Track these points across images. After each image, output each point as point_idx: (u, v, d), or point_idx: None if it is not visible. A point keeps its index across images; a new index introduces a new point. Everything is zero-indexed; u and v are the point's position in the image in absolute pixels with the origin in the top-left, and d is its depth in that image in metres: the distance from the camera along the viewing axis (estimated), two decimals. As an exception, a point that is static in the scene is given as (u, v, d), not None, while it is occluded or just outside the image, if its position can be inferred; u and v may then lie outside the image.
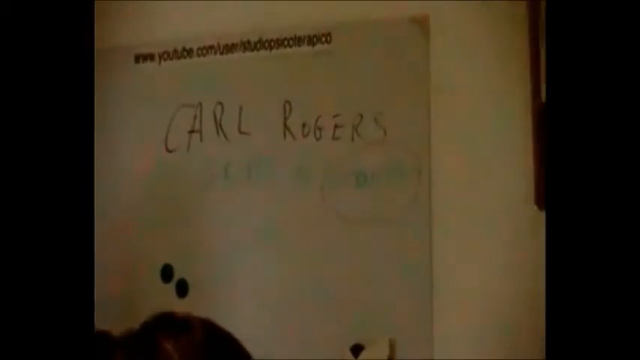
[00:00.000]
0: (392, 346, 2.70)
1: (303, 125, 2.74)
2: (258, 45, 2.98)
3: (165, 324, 1.66)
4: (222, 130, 2.83)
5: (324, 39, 2.92)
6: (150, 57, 3.20)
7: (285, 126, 2.76)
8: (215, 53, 3.04)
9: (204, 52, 3.03)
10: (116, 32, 3.34)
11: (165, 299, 2.95)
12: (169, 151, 2.91)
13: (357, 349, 2.71)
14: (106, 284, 2.99)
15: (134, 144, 3.09)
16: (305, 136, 2.71)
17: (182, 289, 2.95)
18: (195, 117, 2.83)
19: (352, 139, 2.71)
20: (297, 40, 2.92)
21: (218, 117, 2.84)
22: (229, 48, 3.01)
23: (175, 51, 3.12)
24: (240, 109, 2.81)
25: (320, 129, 2.69)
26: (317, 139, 2.72)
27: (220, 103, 2.86)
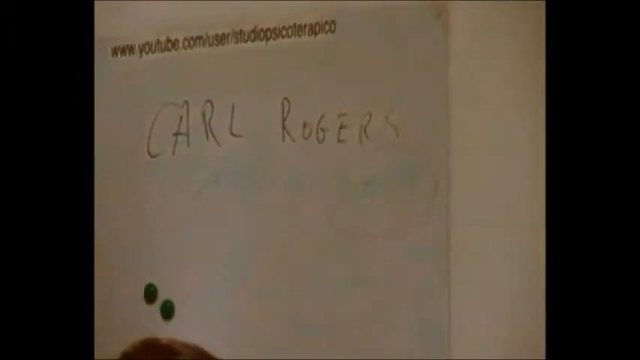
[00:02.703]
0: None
1: (304, 126, 2.53)
2: (253, 35, 2.77)
3: (149, 353, 1.59)
4: (211, 132, 2.62)
5: (327, 28, 2.66)
6: (129, 49, 3.02)
7: (284, 127, 2.55)
8: (204, 45, 2.84)
9: (192, 43, 2.83)
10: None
11: (149, 323, 2.80)
12: (152, 156, 2.72)
13: None
14: None
15: (112, 148, 2.85)
16: (306, 138, 2.50)
17: (167, 311, 2.80)
18: (181, 117, 2.62)
19: (360, 142, 2.46)
20: (297, 30, 2.69)
21: (207, 117, 2.64)
22: (220, 38, 2.81)
23: (158, 42, 2.91)
24: (233, 108, 2.60)
25: (323, 130, 2.47)
26: (319, 142, 2.50)
27: (209, 102, 2.65)
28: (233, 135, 2.59)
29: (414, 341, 2.57)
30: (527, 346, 2.40)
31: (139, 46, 2.97)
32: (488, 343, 2.32)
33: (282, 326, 2.60)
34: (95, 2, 2.68)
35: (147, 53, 2.93)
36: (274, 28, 2.73)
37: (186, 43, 2.86)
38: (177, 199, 2.72)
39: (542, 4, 2.49)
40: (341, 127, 2.50)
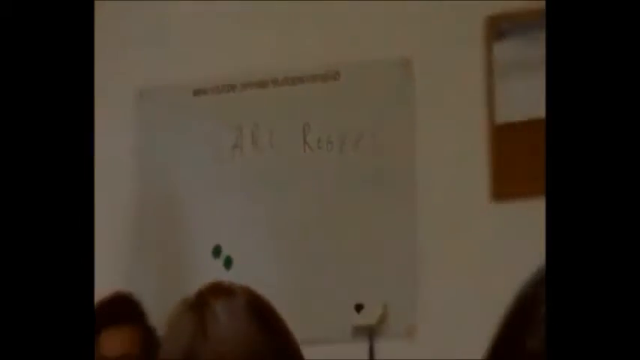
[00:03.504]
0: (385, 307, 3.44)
1: (318, 141, 3.54)
2: (284, 81, 3.75)
3: (215, 290, 1.87)
4: (257, 144, 3.65)
5: (333, 77, 3.69)
6: (203, 91, 3.99)
7: (305, 141, 3.57)
8: (252, 88, 3.82)
9: (244, 86, 3.84)
10: (176, 71, 4.13)
11: (215, 272, 3.58)
12: (218, 162, 3.76)
13: (358, 307, 3.43)
14: (167, 267, 3.89)
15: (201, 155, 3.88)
16: (320, 149, 3.53)
17: (228, 264, 3.68)
18: (237, 135, 3.67)
19: (354, 152, 3.52)
20: (314, 78, 3.70)
21: (255, 135, 3.65)
22: (262, 84, 3.80)
23: (224, 86, 3.90)
24: (271, 129, 3.63)
25: (331, 143, 3.51)
26: (328, 151, 3.55)
27: (256, 124, 3.65)
28: (271, 147, 3.60)
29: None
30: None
31: (211, 88, 3.94)
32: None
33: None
34: (183, 57, 3.50)
35: (218, 93, 3.91)
36: (299, 77, 3.72)
37: (241, 86, 3.84)
38: (234, 189, 3.76)
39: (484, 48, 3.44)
40: (342, 142, 3.53)
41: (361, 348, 3.47)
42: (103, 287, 3.06)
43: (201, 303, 1.84)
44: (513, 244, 3.18)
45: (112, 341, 3.21)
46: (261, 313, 1.86)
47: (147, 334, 3.23)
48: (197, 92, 4.04)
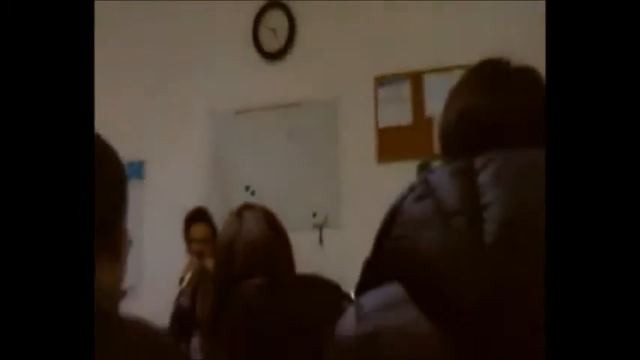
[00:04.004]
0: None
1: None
2: (276, 108, 5.48)
3: (246, 206, 2.72)
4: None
5: (296, 108, 5.44)
6: (249, 111, 5.51)
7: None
8: (265, 111, 5.50)
9: (261, 110, 5.45)
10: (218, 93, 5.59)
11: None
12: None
13: (314, 214, 5.42)
14: (223, 198, 5.46)
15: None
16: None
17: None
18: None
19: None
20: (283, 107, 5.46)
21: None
22: (269, 108, 5.51)
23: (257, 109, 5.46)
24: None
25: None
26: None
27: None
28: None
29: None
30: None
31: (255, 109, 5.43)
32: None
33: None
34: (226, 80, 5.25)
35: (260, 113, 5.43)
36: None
37: (261, 110, 5.43)
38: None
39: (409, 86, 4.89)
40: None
41: (315, 234, 5.39)
42: (193, 205, 5.11)
43: (239, 212, 2.63)
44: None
45: (197, 230, 4.92)
46: (271, 219, 2.62)
47: (213, 228, 4.87)
48: (239, 112, 5.64)
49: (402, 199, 1.36)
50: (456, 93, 1.52)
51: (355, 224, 5.22)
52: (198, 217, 4.99)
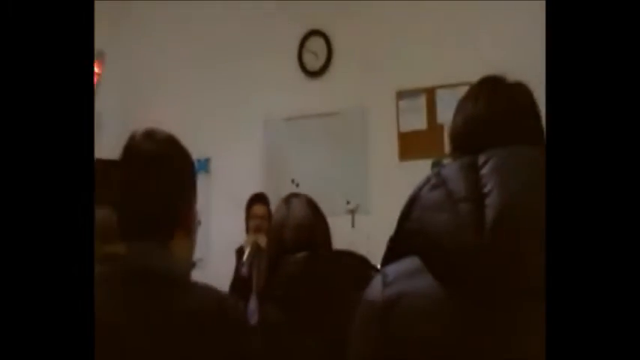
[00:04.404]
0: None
1: None
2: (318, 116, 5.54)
3: (292, 195, 2.68)
4: None
5: (335, 116, 5.46)
6: (295, 118, 5.62)
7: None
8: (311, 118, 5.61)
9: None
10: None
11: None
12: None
13: (347, 202, 5.44)
14: (276, 189, 5.22)
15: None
16: None
17: (298, 186, 5.34)
18: None
19: None
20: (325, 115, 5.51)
21: None
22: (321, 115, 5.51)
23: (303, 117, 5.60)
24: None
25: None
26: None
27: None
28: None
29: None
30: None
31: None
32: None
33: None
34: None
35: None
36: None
37: (305, 118, 5.52)
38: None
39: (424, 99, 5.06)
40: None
41: (348, 218, 5.38)
42: (249, 194, 5.09)
43: (287, 199, 2.62)
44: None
45: (257, 209, 4.89)
46: (312, 204, 2.60)
47: (269, 210, 4.76)
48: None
49: (420, 188, 1.38)
50: (462, 103, 1.52)
51: (381, 211, 5.22)
52: (258, 199, 4.99)
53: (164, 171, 1.63)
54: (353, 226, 5.32)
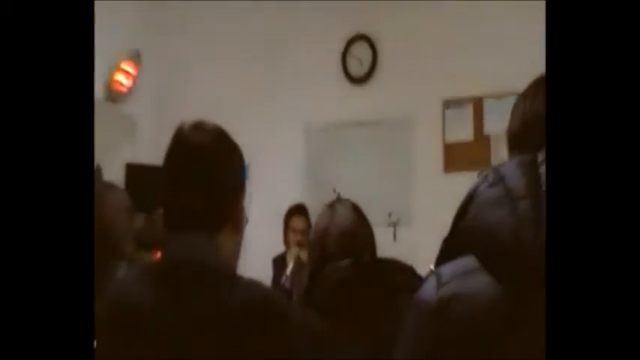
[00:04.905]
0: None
1: None
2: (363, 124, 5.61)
3: (337, 200, 2.66)
4: None
5: (378, 124, 5.53)
6: (337, 126, 5.95)
7: None
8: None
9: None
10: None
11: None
12: None
13: (390, 214, 5.44)
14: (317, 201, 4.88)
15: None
16: None
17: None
18: None
19: None
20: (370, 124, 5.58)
21: None
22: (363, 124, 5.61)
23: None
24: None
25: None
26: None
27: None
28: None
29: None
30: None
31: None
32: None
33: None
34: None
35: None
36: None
37: (347, 126, 5.67)
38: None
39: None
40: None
41: (390, 231, 5.46)
42: (288, 203, 5.24)
43: (332, 204, 2.58)
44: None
45: (297, 222, 5.03)
46: (357, 210, 2.56)
47: (309, 222, 4.88)
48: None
49: (477, 186, 1.38)
50: (519, 102, 1.52)
51: (424, 224, 5.27)
52: (298, 211, 5.08)
53: (212, 163, 1.64)
54: (395, 239, 5.36)
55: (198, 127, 1.67)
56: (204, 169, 1.63)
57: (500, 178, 1.36)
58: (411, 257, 3.17)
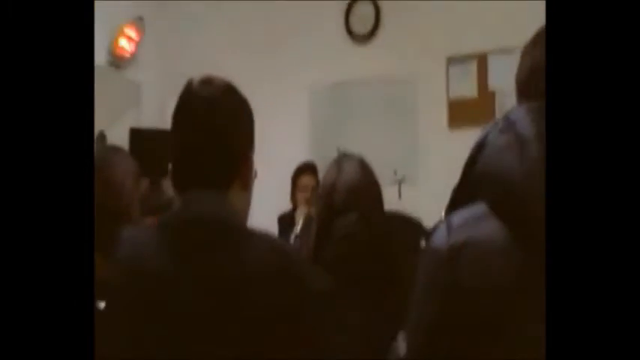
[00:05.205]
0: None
1: None
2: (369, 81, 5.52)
3: (344, 155, 2.71)
4: None
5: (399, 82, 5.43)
6: (342, 85, 6.06)
7: None
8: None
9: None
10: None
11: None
12: None
13: (395, 172, 5.52)
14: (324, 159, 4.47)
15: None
16: None
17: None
18: None
19: None
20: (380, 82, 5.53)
21: None
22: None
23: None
24: None
25: None
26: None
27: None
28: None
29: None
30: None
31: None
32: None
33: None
34: None
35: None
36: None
37: (351, 85, 5.67)
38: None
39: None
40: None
41: (395, 189, 5.35)
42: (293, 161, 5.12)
43: (339, 160, 2.64)
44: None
45: (306, 180, 4.88)
46: (364, 165, 2.64)
47: (318, 179, 4.71)
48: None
49: (487, 133, 1.38)
50: (528, 48, 1.51)
51: (429, 181, 5.24)
52: (307, 169, 4.97)
53: (222, 118, 1.61)
54: (400, 197, 5.26)
55: (207, 81, 1.64)
56: (214, 124, 1.60)
57: (510, 125, 1.37)
58: (416, 215, 3.20)
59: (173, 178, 1.66)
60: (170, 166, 1.67)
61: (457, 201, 1.46)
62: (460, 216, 1.42)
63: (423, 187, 5.34)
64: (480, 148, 1.37)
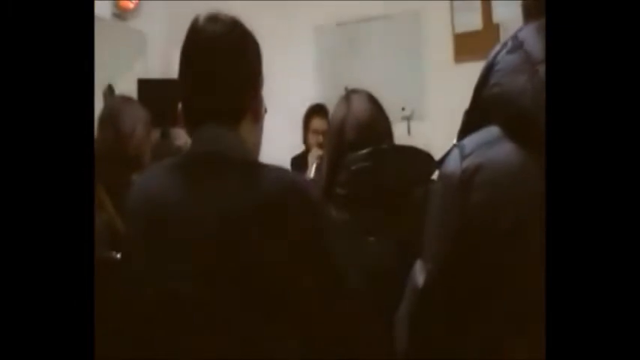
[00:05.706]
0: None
1: None
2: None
3: (353, 90, 2.59)
4: None
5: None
6: (347, 23, 6.11)
7: None
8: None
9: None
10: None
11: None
12: None
13: (402, 109, 5.41)
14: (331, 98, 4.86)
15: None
16: None
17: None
18: None
19: None
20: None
21: None
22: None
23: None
24: None
25: None
26: None
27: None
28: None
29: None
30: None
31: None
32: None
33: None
34: None
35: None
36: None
37: (357, 22, 5.70)
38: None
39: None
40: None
41: (404, 125, 5.35)
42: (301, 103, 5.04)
43: (347, 95, 2.54)
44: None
45: (317, 122, 4.80)
46: (373, 99, 2.55)
47: (328, 119, 4.18)
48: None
49: (496, 54, 1.39)
50: None
51: (437, 116, 5.22)
52: (318, 111, 4.89)
53: (230, 53, 1.60)
54: (409, 133, 5.26)
55: (214, 18, 1.63)
56: (222, 60, 1.60)
57: (519, 44, 1.35)
58: (427, 149, 3.18)
59: (184, 116, 1.66)
60: (180, 106, 1.66)
61: (469, 124, 1.45)
62: (472, 140, 1.41)
63: (431, 122, 5.32)
64: (489, 68, 1.37)
